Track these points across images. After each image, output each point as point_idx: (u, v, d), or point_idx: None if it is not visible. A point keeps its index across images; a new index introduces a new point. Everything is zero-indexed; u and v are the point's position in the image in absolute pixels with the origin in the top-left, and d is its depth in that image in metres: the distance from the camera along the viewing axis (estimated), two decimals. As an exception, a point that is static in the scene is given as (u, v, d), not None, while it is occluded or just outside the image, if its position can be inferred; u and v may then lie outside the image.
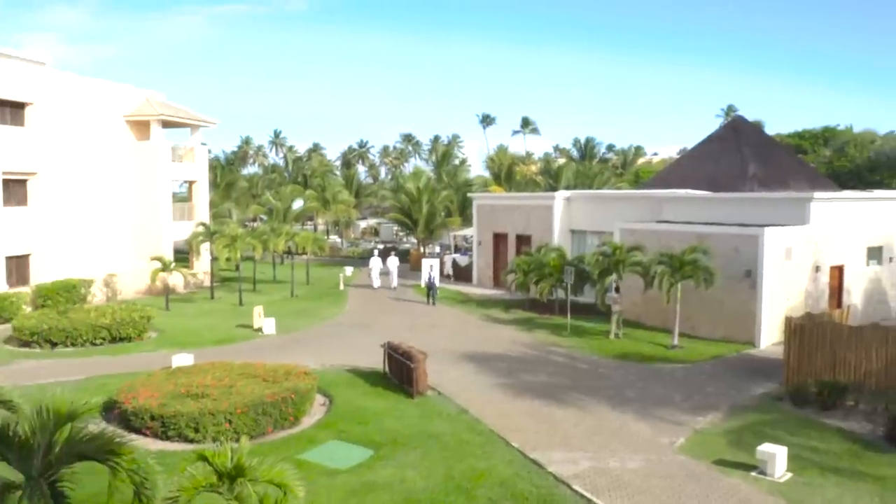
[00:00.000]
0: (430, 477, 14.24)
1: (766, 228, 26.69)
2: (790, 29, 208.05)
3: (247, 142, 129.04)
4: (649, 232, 31.02)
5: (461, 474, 14.37)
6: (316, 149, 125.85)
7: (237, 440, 11.55)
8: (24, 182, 35.35)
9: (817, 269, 28.31)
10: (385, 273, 44.87)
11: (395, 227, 72.82)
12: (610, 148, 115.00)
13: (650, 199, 35.80)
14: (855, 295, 30.13)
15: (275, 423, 17.12)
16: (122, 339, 27.74)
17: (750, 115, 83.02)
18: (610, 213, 35.58)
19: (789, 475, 14.34)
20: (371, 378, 21.90)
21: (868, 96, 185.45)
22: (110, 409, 17.99)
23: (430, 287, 37.41)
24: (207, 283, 42.01)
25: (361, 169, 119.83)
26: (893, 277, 32.24)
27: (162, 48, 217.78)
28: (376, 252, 51.45)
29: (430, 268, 38.83)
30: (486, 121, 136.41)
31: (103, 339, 27.37)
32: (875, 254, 31.22)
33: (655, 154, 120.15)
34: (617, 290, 29.01)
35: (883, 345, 20.10)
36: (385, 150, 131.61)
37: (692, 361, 24.43)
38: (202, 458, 9.25)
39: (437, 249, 59.10)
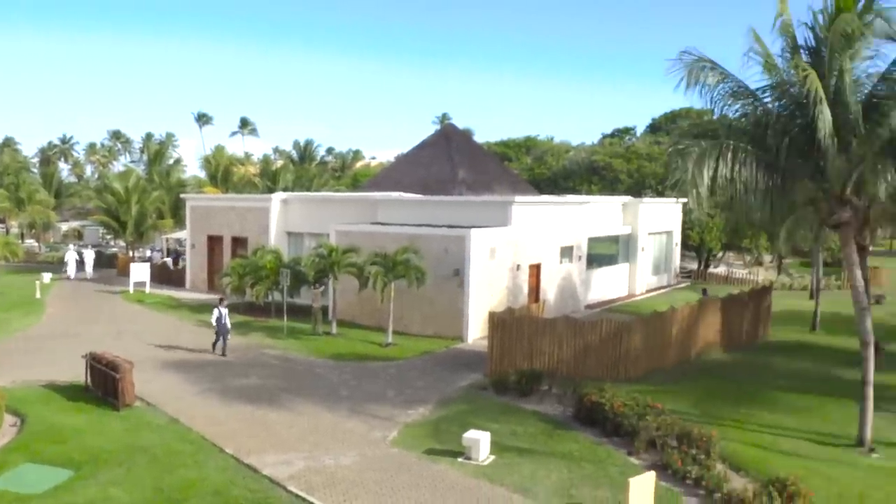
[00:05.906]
0: (137, 492, 13.49)
1: (473, 230, 28.30)
2: (508, 42, 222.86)
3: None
4: (364, 233, 31.65)
5: (171, 486, 13.77)
6: (9, 143, 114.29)
7: None
8: None
9: (518, 267, 30.52)
10: (81, 267, 48.66)
11: (102, 230, 68.21)
12: (329, 151, 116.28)
13: (365, 202, 36.56)
14: (550, 290, 32.89)
15: (-48, 447, 15.31)
16: None
17: (462, 123, 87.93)
18: (326, 215, 35.82)
19: (492, 458, 15.37)
20: (71, 392, 20.26)
21: (569, 108, 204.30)
22: None
23: (222, 332, 25.50)
24: None
25: (64, 167, 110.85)
26: (582, 274, 35.65)
27: None
28: (72, 247, 52.89)
29: (220, 302, 26.19)
30: (203, 120, 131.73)
31: None
32: (567, 252, 34.33)
33: (374, 158, 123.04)
34: (316, 286, 29.61)
35: (573, 335, 22.33)
36: (92, 148, 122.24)
37: (404, 358, 25.31)
38: None
39: (149, 254, 56.04)
